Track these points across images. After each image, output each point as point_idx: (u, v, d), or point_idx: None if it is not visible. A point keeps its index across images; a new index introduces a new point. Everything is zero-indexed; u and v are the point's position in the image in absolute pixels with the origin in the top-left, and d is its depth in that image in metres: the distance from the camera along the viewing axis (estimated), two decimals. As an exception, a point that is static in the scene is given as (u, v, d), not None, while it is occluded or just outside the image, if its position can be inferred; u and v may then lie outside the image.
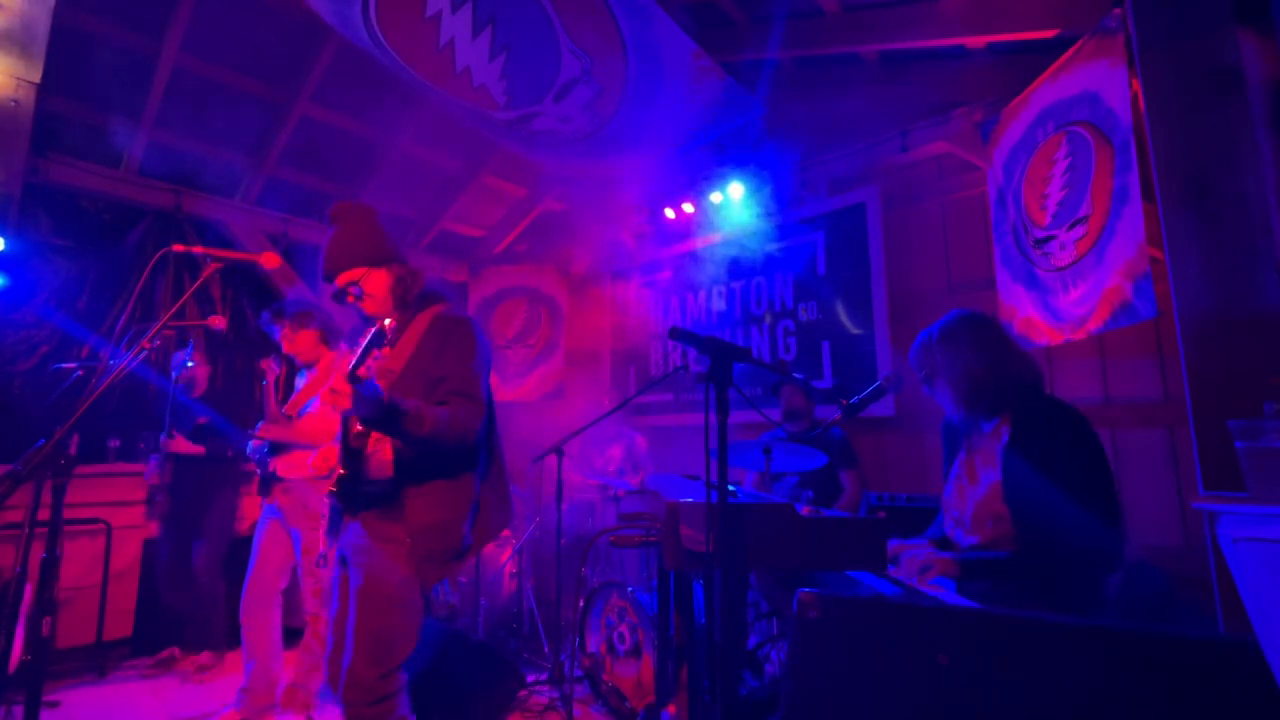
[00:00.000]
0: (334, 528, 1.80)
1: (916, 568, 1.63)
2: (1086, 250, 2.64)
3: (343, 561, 1.81)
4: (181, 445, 3.36)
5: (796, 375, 3.84)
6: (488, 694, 2.63)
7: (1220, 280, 1.78)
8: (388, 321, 1.51)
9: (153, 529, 3.99)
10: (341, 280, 1.81)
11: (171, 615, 3.55)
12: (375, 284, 1.82)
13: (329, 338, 2.91)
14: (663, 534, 1.66)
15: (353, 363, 1.46)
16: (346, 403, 1.45)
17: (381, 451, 1.73)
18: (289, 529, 2.80)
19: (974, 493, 1.74)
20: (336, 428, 1.90)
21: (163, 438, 3.33)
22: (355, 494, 1.75)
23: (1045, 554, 1.55)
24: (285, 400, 2.90)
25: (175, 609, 3.52)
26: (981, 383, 1.69)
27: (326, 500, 1.76)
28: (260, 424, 2.77)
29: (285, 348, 2.86)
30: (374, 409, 1.50)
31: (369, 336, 1.47)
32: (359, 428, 1.74)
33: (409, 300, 1.86)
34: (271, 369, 2.85)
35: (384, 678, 1.60)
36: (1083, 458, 1.57)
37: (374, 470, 1.73)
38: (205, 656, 3.43)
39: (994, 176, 3.33)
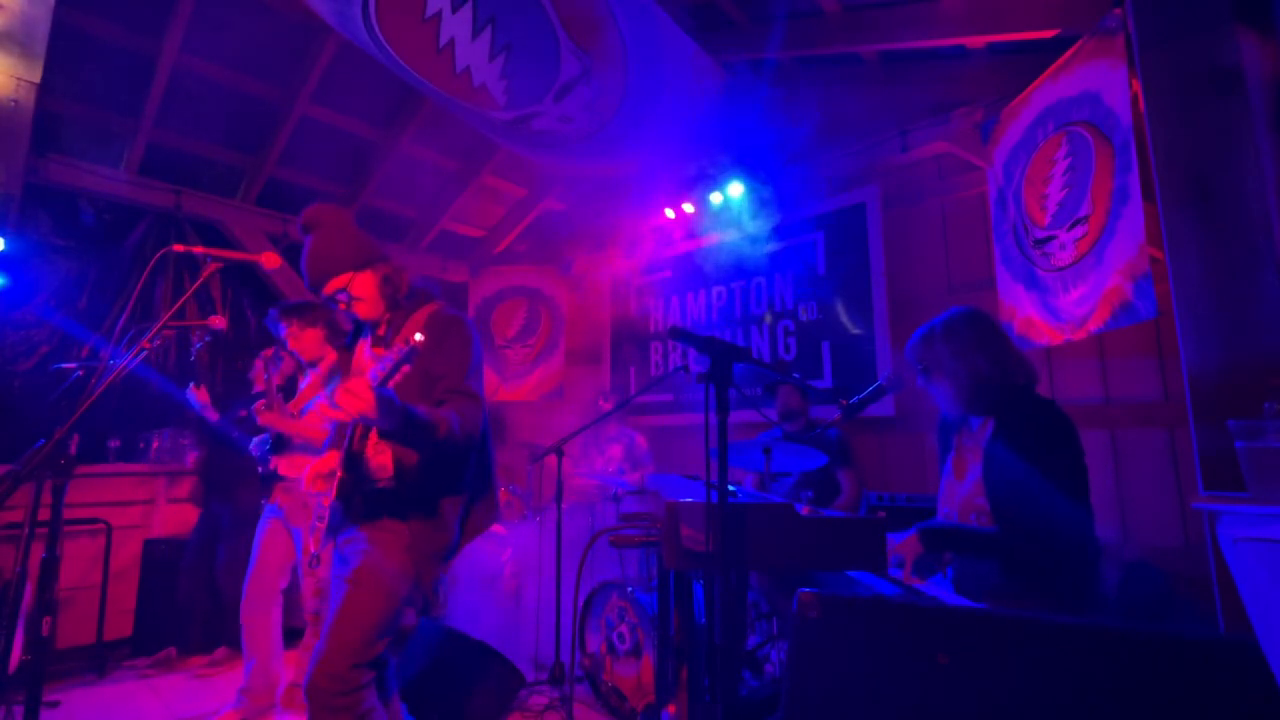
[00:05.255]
0: (333, 530, 1.80)
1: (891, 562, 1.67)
2: (1087, 250, 2.64)
3: (343, 561, 1.81)
4: (204, 397, 3.21)
5: (793, 375, 3.85)
6: (487, 694, 2.63)
7: (1220, 280, 1.78)
8: (418, 337, 1.45)
9: (153, 529, 4.00)
10: (329, 288, 1.79)
11: (178, 614, 3.58)
12: (363, 287, 1.81)
13: (334, 336, 2.90)
14: (663, 534, 1.66)
15: (379, 377, 1.42)
16: (364, 405, 1.40)
17: (380, 454, 1.73)
18: (290, 528, 2.80)
19: (960, 489, 1.77)
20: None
21: (189, 388, 3.17)
22: (358, 497, 1.75)
23: (1014, 533, 1.59)
24: (289, 399, 2.90)
25: (190, 607, 3.54)
26: (984, 380, 1.71)
27: (325, 503, 1.76)
28: (257, 405, 2.73)
29: (290, 344, 2.86)
30: (394, 418, 1.47)
31: (401, 354, 1.42)
32: (361, 429, 1.74)
33: (399, 299, 1.85)
34: (273, 363, 2.83)
35: (357, 668, 1.56)
36: (1053, 446, 1.61)
37: (373, 472, 1.73)
38: (220, 653, 3.50)
39: (994, 176, 3.32)
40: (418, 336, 1.45)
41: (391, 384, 1.45)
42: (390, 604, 1.63)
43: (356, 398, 1.39)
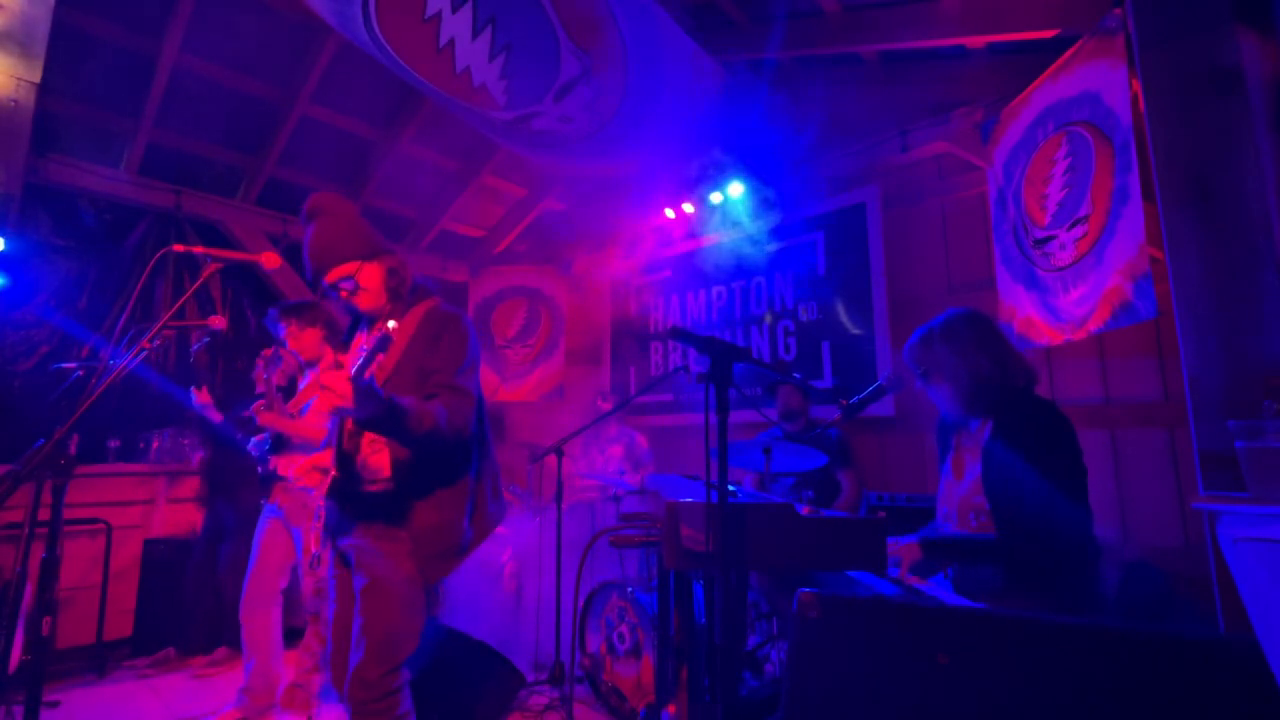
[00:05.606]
0: (330, 529, 1.79)
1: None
2: (1087, 250, 2.64)
3: (342, 561, 1.80)
4: (206, 398, 3.21)
5: (794, 375, 3.86)
6: (488, 694, 2.63)
7: (1220, 280, 1.78)
8: (391, 324, 1.43)
9: (153, 529, 4.00)
10: (333, 276, 1.75)
11: (179, 614, 3.59)
12: (370, 278, 1.78)
13: (333, 336, 2.91)
14: (663, 534, 1.66)
15: (356, 366, 1.41)
16: (345, 402, 1.39)
17: (376, 454, 1.71)
18: (290, 528, 2.80)
19: (959, 488, 1.77)
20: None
21: (193, 390, 3.18)
22: (352, 498, 1.74)
23: (1013, 535, 1.59)
24: (289, 399, 2.90)
25: (194, 607, 3.56)
26: (984, 380, 1.71)
27: (322, 502, 1.75)
28: (256, 405, 2.73)
29: (290, 344, 2.86)
30: (374, 408, 1.45)
31: (374, 341, 1.41)
32: (351, 427, 1.73)
33: (402, 293, 1.83)
34: (272, 363, 2.83)
35: (388, 674, 1.61)
36: (1052, 447, 1.61)
37: (369, 473, 1.72)
38: (220, 653, 3.52)
39: (994, 176, 3.32)
40: (390, 324, 1.43)
41: (368, 373, 1.43)
42: (405, 607, 1.65)
43: (333, 394, 1.39)
